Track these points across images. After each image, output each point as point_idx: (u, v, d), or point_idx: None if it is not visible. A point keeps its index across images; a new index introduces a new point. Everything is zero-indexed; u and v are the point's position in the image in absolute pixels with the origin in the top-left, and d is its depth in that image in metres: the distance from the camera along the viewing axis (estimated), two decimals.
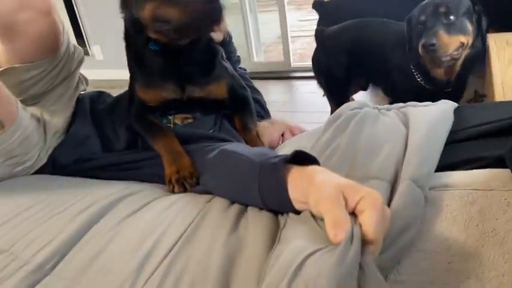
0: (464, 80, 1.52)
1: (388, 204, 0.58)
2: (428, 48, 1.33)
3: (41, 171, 0.95)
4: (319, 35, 1.87)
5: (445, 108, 0.82)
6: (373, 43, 1.70)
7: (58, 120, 0.97)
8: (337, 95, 1.89)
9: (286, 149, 0.93)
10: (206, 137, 0.96)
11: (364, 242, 0.47)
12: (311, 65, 1.96)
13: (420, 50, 1.36)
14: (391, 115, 0.83)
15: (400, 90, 1.61)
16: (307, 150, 0.65)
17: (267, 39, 4.44)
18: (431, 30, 1.32)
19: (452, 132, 0.75)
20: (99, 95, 1.16)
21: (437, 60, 1.37)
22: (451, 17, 1.31)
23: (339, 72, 1.81)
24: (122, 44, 0.95)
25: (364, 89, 2.01)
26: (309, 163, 0.62)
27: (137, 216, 0.71)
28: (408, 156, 0.67)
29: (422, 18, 1.36)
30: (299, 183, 0.59)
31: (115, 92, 1.18)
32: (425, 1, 1.41)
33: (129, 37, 0.94)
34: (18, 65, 0.87)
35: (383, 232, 0.49)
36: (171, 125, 1.03)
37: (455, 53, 1.36)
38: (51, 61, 0.91)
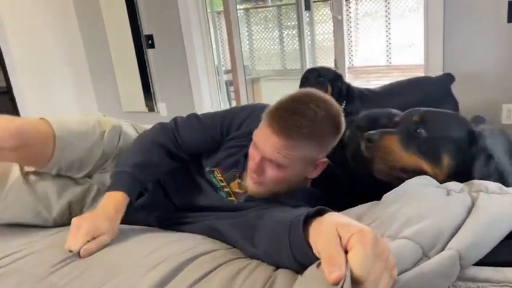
0: None
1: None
2: None
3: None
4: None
5: None
6: None
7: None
8: None
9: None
10: None
11: (355, 281, 0.47)
12: None
13: None
14: (458, 197, 0.78)
15: None
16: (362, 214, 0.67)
17: None
18: None
19: None
20: None
21: None
22: None
23: None
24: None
25: None
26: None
27: (209, 279, 0.72)
28: (459, 235, 0.64)
29: None
30: (315, 232, 0.61)
31: None
32: None
33: None
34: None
35: (375, 268, 0.48)
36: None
37: None
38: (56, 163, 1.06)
